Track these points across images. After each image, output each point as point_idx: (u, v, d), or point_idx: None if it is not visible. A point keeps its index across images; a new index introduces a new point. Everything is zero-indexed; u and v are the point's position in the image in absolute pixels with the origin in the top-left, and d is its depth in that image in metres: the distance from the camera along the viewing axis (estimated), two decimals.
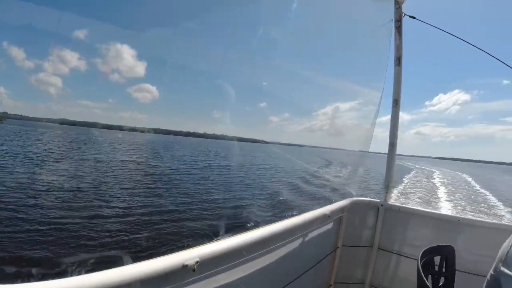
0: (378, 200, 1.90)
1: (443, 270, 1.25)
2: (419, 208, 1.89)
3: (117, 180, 13.39)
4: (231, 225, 7.52)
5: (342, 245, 1.86)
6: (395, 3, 1.98)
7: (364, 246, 1.91)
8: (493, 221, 1.75)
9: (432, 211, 1.91)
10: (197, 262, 0.84)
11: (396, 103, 1.92)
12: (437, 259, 1.27)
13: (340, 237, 1.83)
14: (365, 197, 2.00)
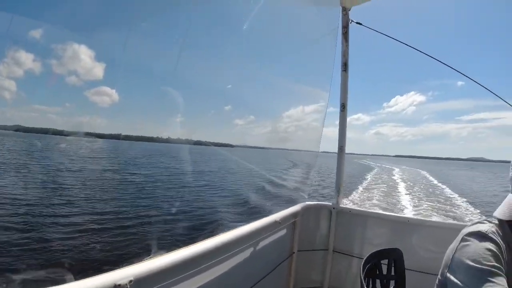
0: (330, 203, 1.92)
1: (392, 273, 1.26)
2: (369, 210, 1.95)
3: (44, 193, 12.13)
4: (172, 239, 7.18)
5: (298, 250, 1.85)
6: (342, 10, 2.03)
7: (319, 250, 1.92)
8: (442, 220, 1.84)
9: (382, 212, 1.97)
10: (130, 281, 0.79)
11: (343, 108, 1.96)
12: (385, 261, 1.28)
13: (295, 242, 1.83)
14: (319, 199, 2.02)
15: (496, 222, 0.94)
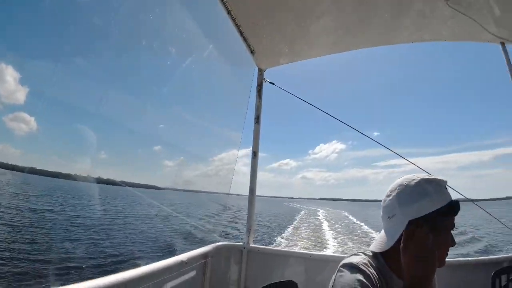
0: (241, 243, 2.02)
1: None
2: (275, 248, 2.12)
3: None
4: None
5: None
6: (258, 70, 2.34)
7: None
8: (340, 254, 2.06)
9: (287, 249, 2.13)
10: None
11: (254, 155, 2.19)
12: None
13: (206, 283, 1.85)
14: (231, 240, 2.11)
15: (370, 254, 1.03)
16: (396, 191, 0.98)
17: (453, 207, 0.93)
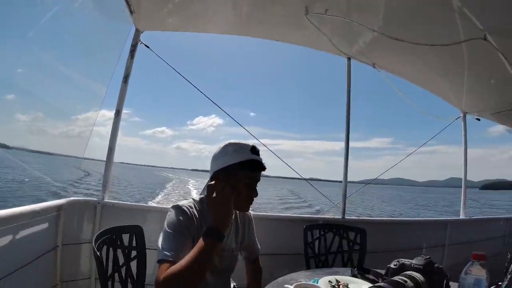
0: (96, 199, 2.06)
1: (134, 244, 1.55)
2: (130, 203, 2.24)
3: None
4: None
5: (63, 244, 1.89)
6: (135, 30, 2.28)
7: (85, 243, 2.00)
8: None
9: (142, 204, 2.26)
10: None
11: (117, 114, 2.19)
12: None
13: (59, 236, 1.86)
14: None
15: (197, 199, 1.26)
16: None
17: (249, 164, 1.20)
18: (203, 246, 1.00)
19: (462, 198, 3.54)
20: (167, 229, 1.09)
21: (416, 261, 1.07)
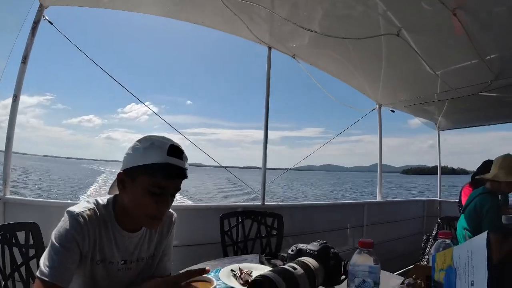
0: None
1: (31, 242, 1.42)
2: (38, 199, 2.05)
3: None
4: None
5: None
6: (39, 5, 2.01)
7: None
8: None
9: (50, 200, 2.06)
10: None
11: (15, 98, 1.95)
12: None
13: None
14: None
15: (105, 202, 1.01)
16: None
17: (160, 169, 0.91)
18: None
19: (378, 181, 3.85)
20: (53, 240, 0.90)
21: (311, 246, 1.05)
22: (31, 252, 1.41)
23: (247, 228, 2.33)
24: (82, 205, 0.96)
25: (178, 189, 0.97)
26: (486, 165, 2.22)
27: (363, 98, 3.97)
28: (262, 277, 0.79)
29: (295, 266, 0.89)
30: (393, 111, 3.90)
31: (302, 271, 0.87)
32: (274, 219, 2.35)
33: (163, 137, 0.97)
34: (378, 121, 3.85)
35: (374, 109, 3.80)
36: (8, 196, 1.87)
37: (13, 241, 1.35)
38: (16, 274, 1.32)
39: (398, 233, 3.72)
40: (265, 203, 2.66)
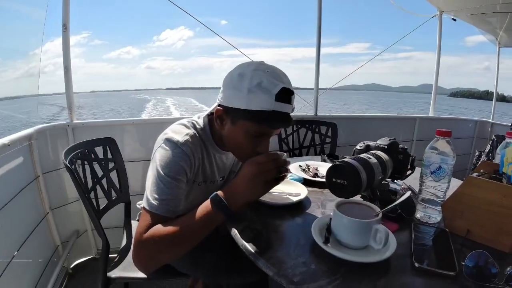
0: (65, 122, 1.99)
1: (110, 156, 1.52)
2: (100, 120, 2.20)
3: None
4: None
5: (43, 173, 1.86)
6: None
7: (63, 168, 1.96)
8: (165, 117, 2.26)
9: (113, 119, 2.20)
10: None
11: (65, 28, 1.98)
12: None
13: (36, 166, 1.81)
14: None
15: (201, 124, 0.97)
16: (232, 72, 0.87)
17: (265, 118, 0.81)
18: (207, 214, 0.78)
19: (432, 97, 3.57)
20: (160, 171, 0.84)
21: (380, 142, 1.07)
22: (110, 165, 1.52)
23: (302, 137, 2.41)
24: (181, 131, 0.91)
25: (277, 132, 0.92)
26: None
27: (421, 4, 3.52)
28: (343, 162, 0.81)
29: (369, 156, 0.91)
30: (455, 20, 3.44)
31: (376, 161, 0.89)
32: (328, 128, 2.39)
33: (272, 73, 0.81)
34: (438, 30, 3.40)
35: (435, 15, 3.36)
36: (75, 121, 2.03)
37: (92, 156, 1.43)
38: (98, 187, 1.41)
39: None
40: (318, 114, 2.68)
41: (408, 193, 0.78)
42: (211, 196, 0.79)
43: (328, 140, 2.38)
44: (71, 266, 2.11)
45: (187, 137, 0.89)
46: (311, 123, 2.43)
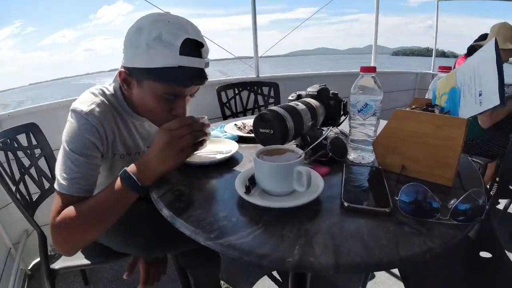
0: None
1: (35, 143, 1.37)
2: (25, 107, 1.98)
3: None
4: None
5: None
6: None
7: None
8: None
9: (36, 105, 2.00)
10: None
11: None
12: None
13: None
14: None
15: (111, 90, 0.85)
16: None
17: (171, 75, 0.70)
18: (118, 192, 0.70)
19: (372, 56, 3.65)
20: (66, 147, 0.74)
21: (310, 89, 1.02)
22: (37, 152, 1.37)
23: (245, 100, 2.38)
24: (87, 100, 0.79)
25: (193, 90, 0.80)
26: (483, 37, 2.13)
27: None
28: (268, 110, 0.77)
29: (298, 103, 0.88)
30: None
31: (304, 107, 0.87)
32: (271, 88, 2.38)
33: (175, 24, 0.69)
34: None
35: None
36: (1, 113, 1.81)
37: (15, 145, 1.29)
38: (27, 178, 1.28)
39: (387, 104, 3.79)
40: (260, 75, 2.66)
41: (329, 131, 0.75)
42: (120, 173, 0.71)
43: (271, 100, 2.37)
44: (29, 267, 1.99)
45: (93, 106, 0.77)
46: (253, 85, 2.37)
